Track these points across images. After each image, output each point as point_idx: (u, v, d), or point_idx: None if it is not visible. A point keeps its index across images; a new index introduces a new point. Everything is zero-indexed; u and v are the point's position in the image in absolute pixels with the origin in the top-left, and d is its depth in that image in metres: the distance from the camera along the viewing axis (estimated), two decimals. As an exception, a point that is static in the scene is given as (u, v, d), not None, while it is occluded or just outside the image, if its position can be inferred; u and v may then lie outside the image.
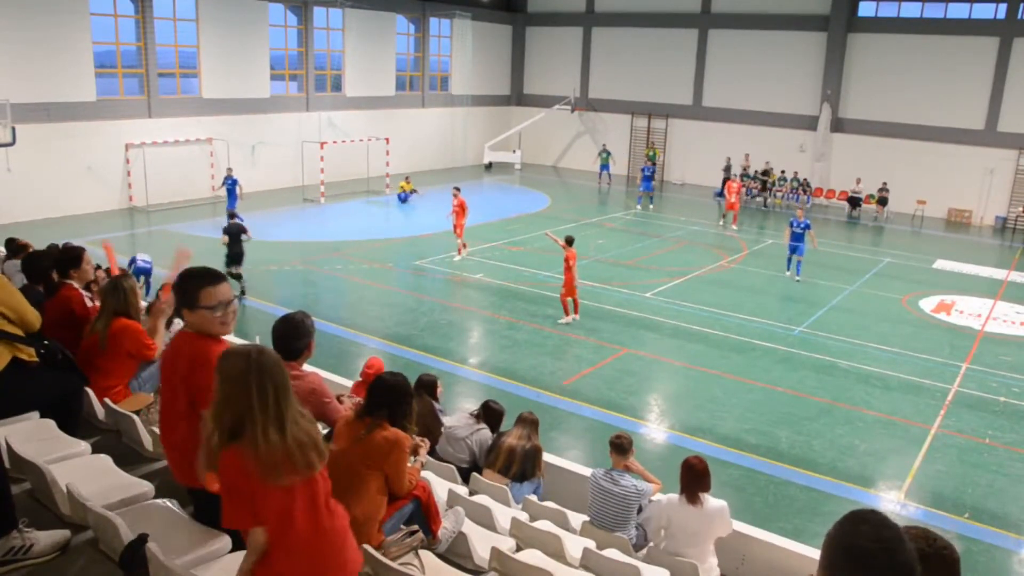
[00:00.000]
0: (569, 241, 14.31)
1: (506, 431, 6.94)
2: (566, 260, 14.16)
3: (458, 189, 19.33)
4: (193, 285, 3.67)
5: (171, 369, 3.73)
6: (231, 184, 21.78)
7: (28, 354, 4.78)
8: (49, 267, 6.21)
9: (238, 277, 14.95)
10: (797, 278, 18.15)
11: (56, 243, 10.78)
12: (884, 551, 1.82)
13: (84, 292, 6.08)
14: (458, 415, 7.36)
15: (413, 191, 26.82)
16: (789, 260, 18.56)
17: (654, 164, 29.12)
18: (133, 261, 14.20)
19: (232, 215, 15.92)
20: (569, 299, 14.52)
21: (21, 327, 4.71)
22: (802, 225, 17.97)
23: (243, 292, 15.07)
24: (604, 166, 32.49)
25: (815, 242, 18.81)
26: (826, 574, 1.89)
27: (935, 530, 2.39)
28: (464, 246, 19.16)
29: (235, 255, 15.13)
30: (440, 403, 7.60)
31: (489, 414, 7.32)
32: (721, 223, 25.15)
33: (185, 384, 3.60)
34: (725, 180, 29.78)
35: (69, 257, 6.14)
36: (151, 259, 14.43)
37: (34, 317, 4.77)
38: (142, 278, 13.92)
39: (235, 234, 15.16)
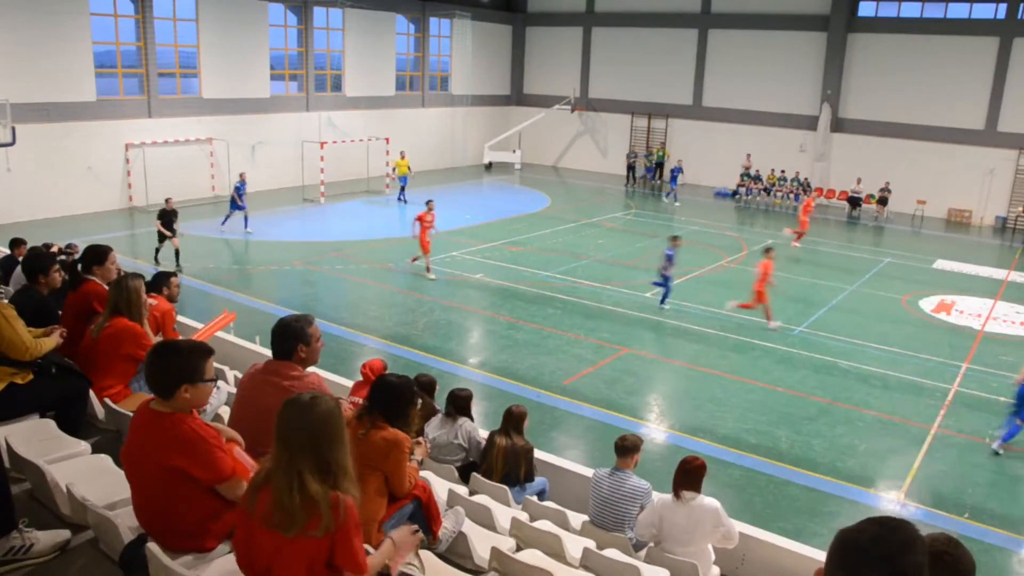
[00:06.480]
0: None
1: (495, 431, 6.67)
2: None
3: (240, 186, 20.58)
4: (202, 356, 3.49)
5: (155, 453, 3.37)
6: (242, 187, 20.96)
7: (22, 377, 4.83)
8: (46, 267, 6.17)
9: None
10: None
11: (48, 242, 10.77)
12: (884, 555, 1.82)
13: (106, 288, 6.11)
14: (432, 423, 6.91)
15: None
16: None
17: (658, 165, 32.27)
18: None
19: None
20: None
21: (13, 357, 4.77)
22: None
23: None
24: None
25: None
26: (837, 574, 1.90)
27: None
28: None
29: None
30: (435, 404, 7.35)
31: (458, 403, 6.94)
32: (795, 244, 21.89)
33: (195, 466, 3.37)
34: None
35: (95, 254, 6.19)
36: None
37: (24, 350, 4.78)
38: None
39: None
